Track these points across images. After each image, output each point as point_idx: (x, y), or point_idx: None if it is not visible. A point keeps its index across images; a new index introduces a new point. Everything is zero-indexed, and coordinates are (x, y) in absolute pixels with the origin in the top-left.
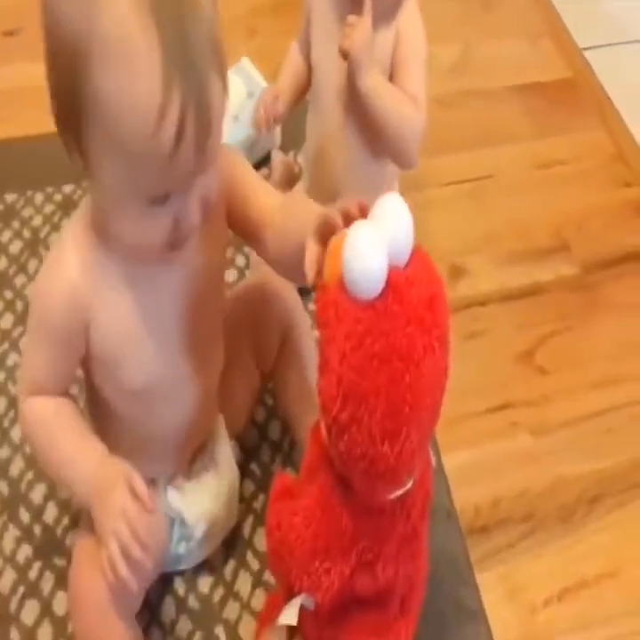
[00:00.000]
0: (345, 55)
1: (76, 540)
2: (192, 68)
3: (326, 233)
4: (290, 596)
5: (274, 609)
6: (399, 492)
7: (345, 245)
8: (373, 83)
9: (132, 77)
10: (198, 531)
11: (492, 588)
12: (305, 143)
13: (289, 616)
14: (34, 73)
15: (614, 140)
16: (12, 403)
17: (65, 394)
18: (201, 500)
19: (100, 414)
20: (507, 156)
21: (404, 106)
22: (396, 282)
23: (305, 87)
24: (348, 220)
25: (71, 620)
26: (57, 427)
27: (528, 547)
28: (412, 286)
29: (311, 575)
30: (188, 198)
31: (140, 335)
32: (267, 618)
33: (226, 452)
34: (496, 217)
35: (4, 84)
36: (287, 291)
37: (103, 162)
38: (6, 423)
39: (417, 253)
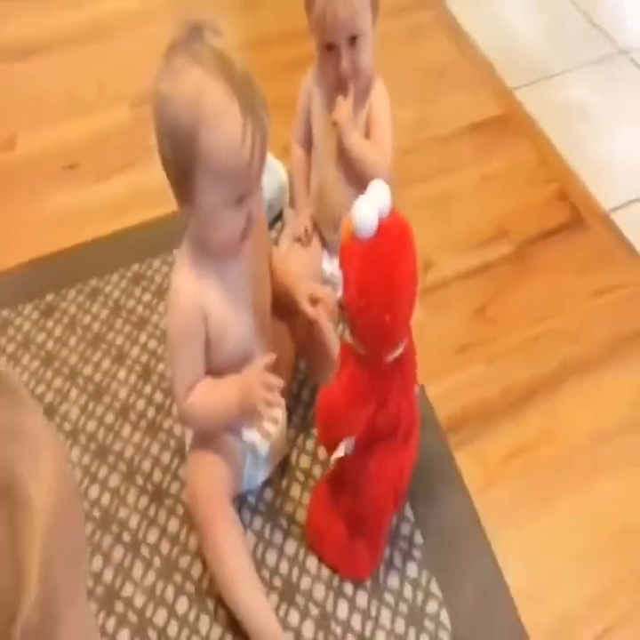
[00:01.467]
0: (335, 123)
1: (191, 455)
2: (256, 115)
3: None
4: (334, 446)
5: (318, 489)
6: (397, 352)
7: (354, 211)
8: (355, 140)
9: (227, 128)
10: (263, 451)
11: (463, 460)
12: (311, 187)
13: (339, 452)
14: (93, 197)
15: (540, 152)
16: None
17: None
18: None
19: None
20: (459, 179)
21: (376, 153)
22: (382, 225)
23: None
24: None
25: (192, 513)
26: (207, 397)
27: (486, 432)
28: (391, 227)
29: (351, 419)
30: (253, 198)
31: (232, 311)
32: (315, 498)
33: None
34: (453, 223)
35: (72, 204)
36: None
37: (207, 191)
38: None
39: (393, 210)
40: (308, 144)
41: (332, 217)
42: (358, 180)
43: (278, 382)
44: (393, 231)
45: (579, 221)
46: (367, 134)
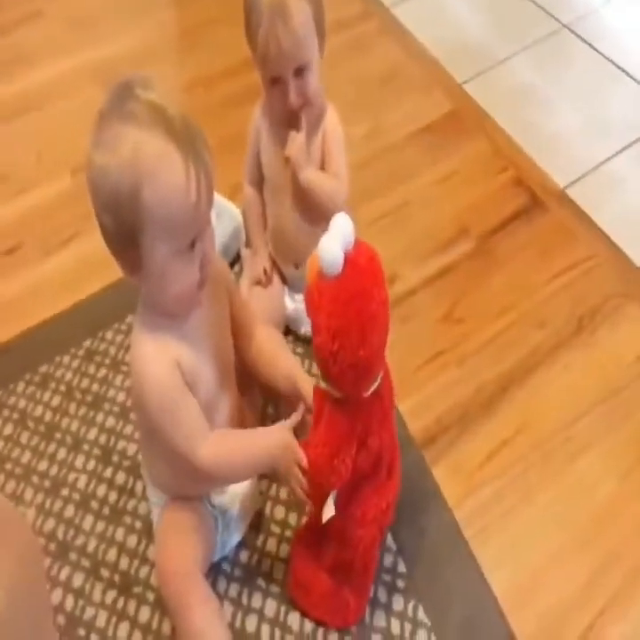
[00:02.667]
0: (288, 159)
1: (159, 532)
2: (198, 156)
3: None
4: (322, 501)
5: (297, 543)
6: (374, 386)
7: (319, 250)
8: (310, 174)
9: (168, 174)
10: (234, 511)
11: (441, 473)
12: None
13: (329, 509)
14: (41, 276)
15: (493, 142)
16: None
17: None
18: (233, 488)
19: (163, 452)
20: (415, 185)
21: (332, 184)
22: (350, 258)
23: (264, 212)
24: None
25: (162, 590)
26: (228, 446)
27: (463, 438)
28: (359, 258)
29: (336, 470)
30: (205, 241)
31: (197, 365)
32: (295, 552)
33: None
34: (414, 230)
35: (12, 292)
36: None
37: (157, 247)
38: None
39: (357, 240)
40: (259, 183)
41: (290, 254)
42: (316, 216)
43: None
44: (360, 262)
45: (536, 204)
46: (322, 164)
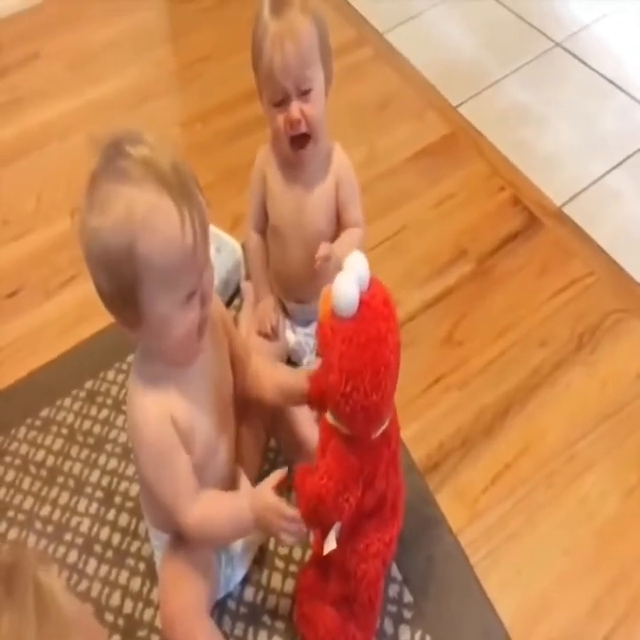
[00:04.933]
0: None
1: (162, 572)
2: (191, 199)
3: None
4: (324, 533)
5: (303, 576)
6: (382, 428)
7: (334, 290)
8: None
9: (163, 224)
10: (237, 545)
11: (445, 501)
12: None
13: (331, 542)
14: (41, 319)
15: (489, 162)
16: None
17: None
18: None
19: None
20: (413, 208)
21: (356, 245)
22: (365, 300)
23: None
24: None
25: (167, 632)
26: (215, 511)
27: (466, 462)
28: (374, 298)
29: (339, 507)
30: (203, 289)
31: (197, 414)
32: (301, 586)
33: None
34: (412, 255)
35: (13, 335)
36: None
37: (154, 299)
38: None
39: (372, 279)
40: (265, 229)
41: (294, 292)
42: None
43: (296, 515)
44: (375, 306)
45: (534, 223)
46: (338, 210)
